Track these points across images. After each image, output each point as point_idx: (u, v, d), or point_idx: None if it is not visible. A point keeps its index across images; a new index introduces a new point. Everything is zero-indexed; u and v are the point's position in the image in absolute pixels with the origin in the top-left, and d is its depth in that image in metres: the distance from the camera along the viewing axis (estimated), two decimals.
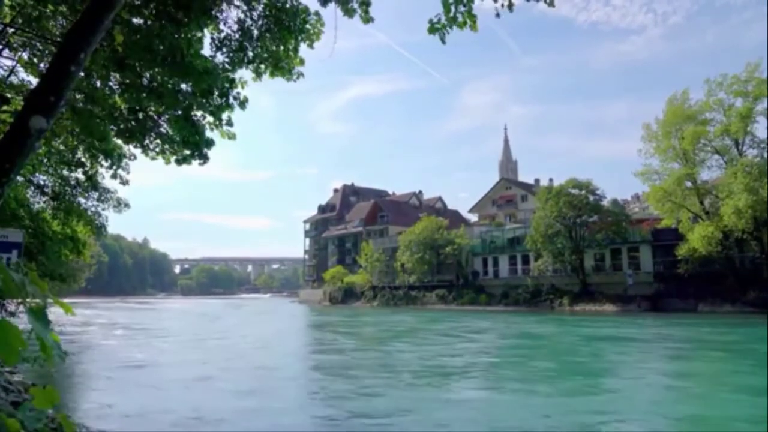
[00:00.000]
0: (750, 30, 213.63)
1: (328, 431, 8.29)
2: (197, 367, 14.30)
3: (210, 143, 7.36)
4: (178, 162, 7.59)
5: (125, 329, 28.27)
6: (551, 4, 4.64)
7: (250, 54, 6.69)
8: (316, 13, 6.55)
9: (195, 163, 7.55)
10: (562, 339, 22.25)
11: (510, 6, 4.65)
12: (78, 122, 8.54)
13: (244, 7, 6.52)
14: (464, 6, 4.76)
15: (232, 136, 7.45)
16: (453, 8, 4.77)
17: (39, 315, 1.18)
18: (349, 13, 5.82)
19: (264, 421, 8.66)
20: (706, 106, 35.85)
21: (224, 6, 6.54)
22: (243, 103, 7.13)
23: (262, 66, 6.76)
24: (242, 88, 7.10)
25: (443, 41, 4.83)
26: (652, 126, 37.87)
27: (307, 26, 6.58)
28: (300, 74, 6.97)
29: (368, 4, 5.86)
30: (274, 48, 6.69)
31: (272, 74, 6.81)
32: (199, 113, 7.24)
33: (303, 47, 6.73)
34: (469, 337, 22.80)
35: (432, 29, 4.78)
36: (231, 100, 7.02)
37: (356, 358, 17.25)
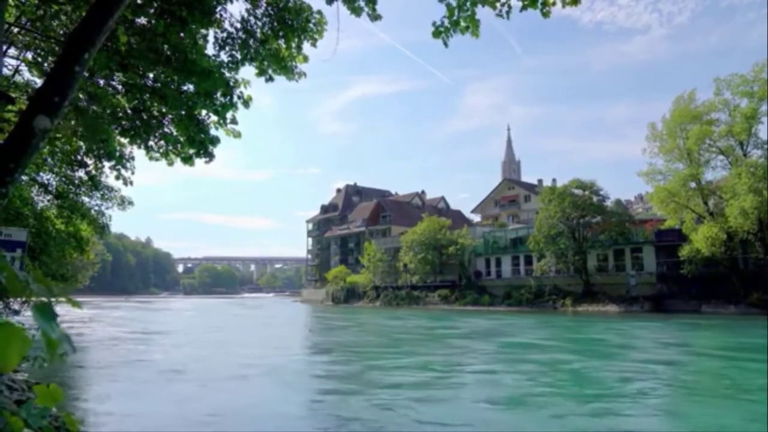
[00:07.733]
0: (753, 31, 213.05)
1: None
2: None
3: (215, 141, 7.32)
4: (184, 160, 7.55)
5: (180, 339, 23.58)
6: (546, 14, 4.66)
7: (253, 51, 6.69)
8: (319, 12, 6.54)
9: (200, 161, 7.53)
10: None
11: (507, 13, 4.67)
12: (81, 122, 8.57)
13: (248, 6, 6.52)
14: (466, 11, 4.76)
15: (237, 135, 7.40)
16: (456, 12, 4.77)
17: (44, 310, 1.19)
18: (356, 11, 5.64)
19: None
20: (712, 106, 35.67)
21: (228, 4, 6.55)
22: (247, 102, 7.11)
23: (265, 63, 6.75)
24: (245, 87, 7.10)
25: (446, 44, 4.84)
26: (657, 125, 37.78)
27: (310, 25, 6.57)
28: (302, 74, 6.96)
29: (375, 2, 5.73)
30: (276, 46, 6.69)
31: (275, 72, 6.80)
32: (203, 112, 7.23)
33: (306, 46, 6.72)
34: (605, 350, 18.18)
35: (436, 33, 4.80)
36: (235, 99, 7.01)
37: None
